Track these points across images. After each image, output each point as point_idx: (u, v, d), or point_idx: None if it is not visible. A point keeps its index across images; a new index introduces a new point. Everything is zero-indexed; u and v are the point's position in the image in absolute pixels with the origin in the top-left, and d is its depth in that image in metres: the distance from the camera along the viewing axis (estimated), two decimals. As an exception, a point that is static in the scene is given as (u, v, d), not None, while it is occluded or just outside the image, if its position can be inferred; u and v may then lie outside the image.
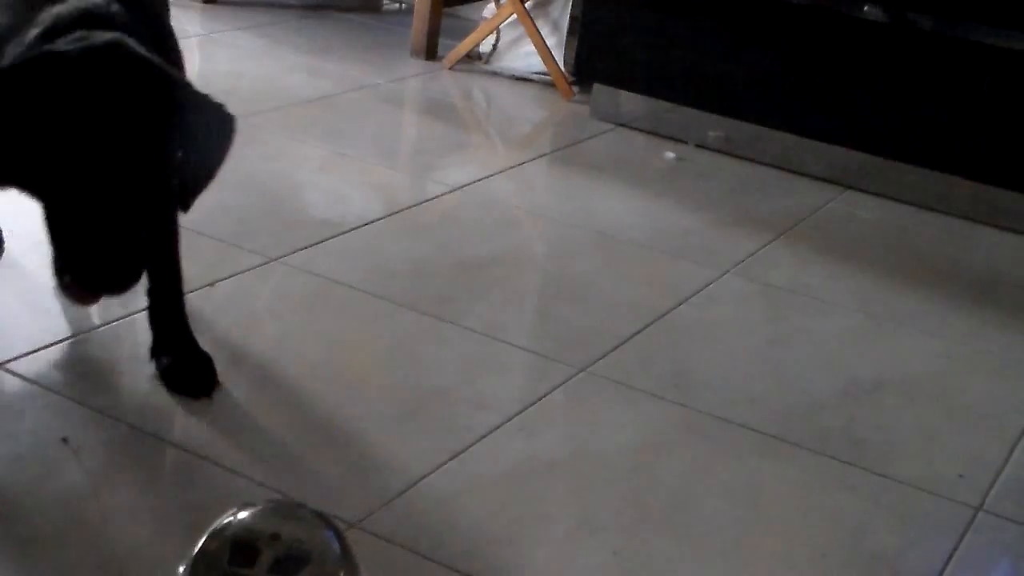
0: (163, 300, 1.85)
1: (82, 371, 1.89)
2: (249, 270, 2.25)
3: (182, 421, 1.78)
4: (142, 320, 2.02)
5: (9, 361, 1.84)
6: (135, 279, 1.51)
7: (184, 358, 1.85)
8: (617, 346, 2.17)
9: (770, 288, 2.52)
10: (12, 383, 1.80)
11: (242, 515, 1.32)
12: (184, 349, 1.86)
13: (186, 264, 2.21)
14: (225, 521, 1.31)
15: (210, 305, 2.11)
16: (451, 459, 1.77)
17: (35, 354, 1.87)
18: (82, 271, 1.47)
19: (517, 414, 1.91)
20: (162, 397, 1.84)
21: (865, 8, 3.07)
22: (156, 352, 1.86)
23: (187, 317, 1.89)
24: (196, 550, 1.30)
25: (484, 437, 1.84)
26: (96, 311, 2.05)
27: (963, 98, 2.97)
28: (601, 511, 1.71)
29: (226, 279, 2.20)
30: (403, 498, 1.67)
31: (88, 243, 1.45)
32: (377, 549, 1.56)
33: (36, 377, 1.81)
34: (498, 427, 1.87)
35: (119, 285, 1.50)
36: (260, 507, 1.34)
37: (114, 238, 1.46)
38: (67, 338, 1.94)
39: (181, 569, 1.30)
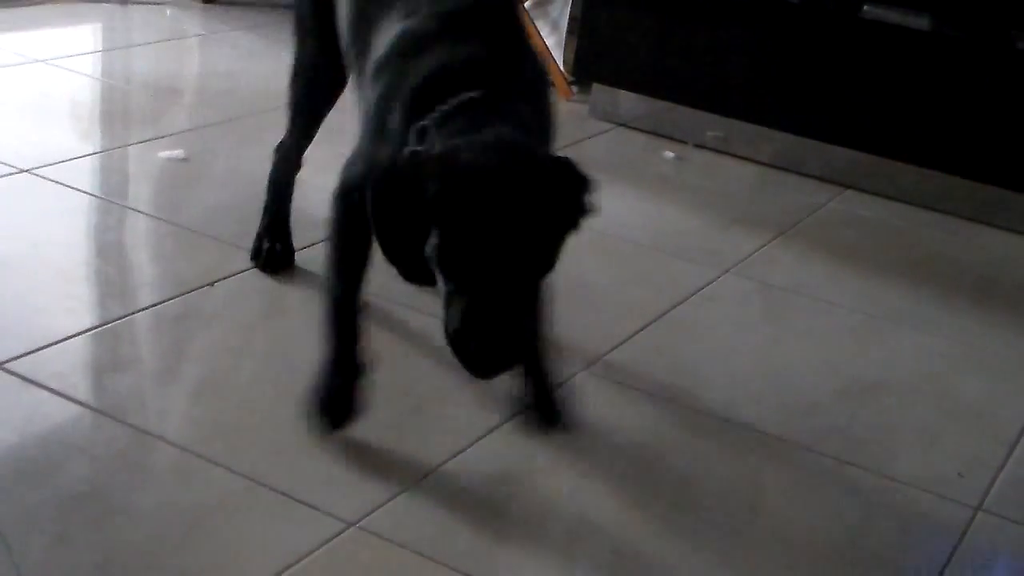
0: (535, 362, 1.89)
1: (82, 371, 1.89)
2: (249, 270, 2.25)
3: (181, 421, 1.78)
4: (141, 319, 2.03)
5: (8, 361, 1.84)
6: (521, 358, 1.64)
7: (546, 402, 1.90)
8: (617, 346, 2.17)
9: (770, 288, 2.52)
10: (11, 383, 1.80)
11: None
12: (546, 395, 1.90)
13: (186, 264, 2.22)
14: None
15: (210, 304, 2.11)
16: (452, 458, 1.77)
17: (34, 354, 1.87)
18: (480, 351, 1.50)
19: (517, 413, 1.91)
20: (163, 397, 1.84)
21: (864, 8, 3.07)
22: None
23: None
24: None
25: (484, 436, 1.84)
26: (94, 311, 2.05)
27: (962, 97, 2.97)
28: (601, 511, 1.71)
29: (226, 278, 2.20)
30: (403, 497, 1.67)
31: (487, 325, 1.50)
32: (377, 549, 1.56)
33: (35, 377, 1.81)
34: (498, 426, 1.87)
35: (510, 362, 1.54)
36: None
37: (510, 321, 1.51)
38: (66, 338, 1.94)
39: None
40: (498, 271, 1.50)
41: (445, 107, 1.59)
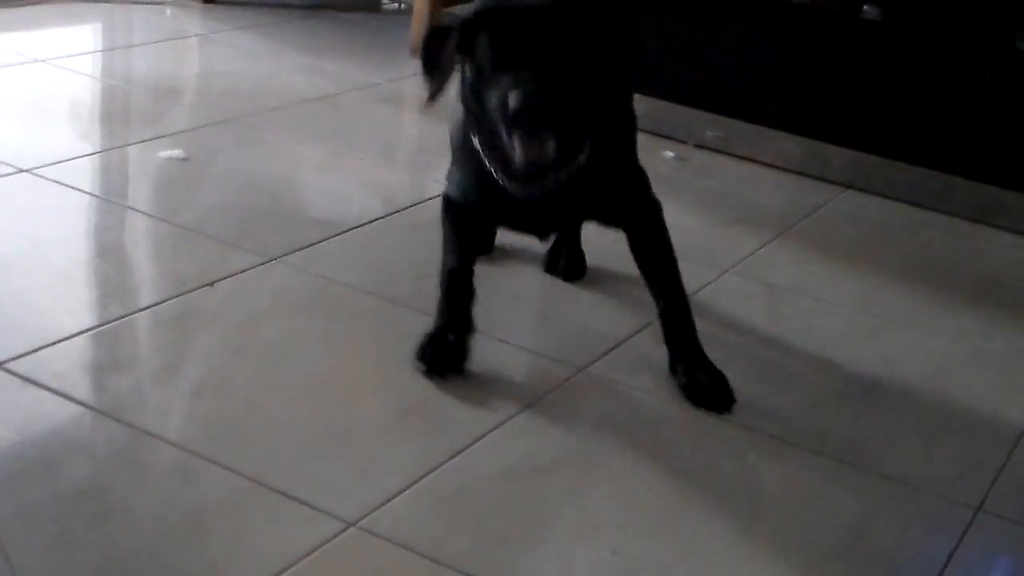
0: (674, 315, 2.07)
1: (82, 371, 1.89)
2: (249, 269, 2.25)
3: (181, 421, 1.78)
4: (141, 319, 2.03)
5: (7, 361, 1.84)
6: (562, 130, 1.79)
7: (701, 374, 2.02)
8: (616, 346, 2.17)
9: (769, 288, 2.52)
10: (10, 382, 1.80)
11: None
12: (699, 365, 2.03)
13: (186, 264, 2.22)
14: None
15: (210, 304, 2.11)
16: (450, 458, 1.77)
17: (33, 354, 1.87)
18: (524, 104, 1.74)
19: (517, 414, 1.91)
20: (163, 397, 1.84)
21: (864, 8, 3.07)
22: (674, 367, 2.06)
23: (696, 332, 2.05)
24: None
25: (483, 436, 1.84)
26: (94, 311, 2.05)
27: (962, 97, 2.97)
28: (600, 511, 1.71)
29: (226, 278, 2.20)
30: (402, 497, 1.67)
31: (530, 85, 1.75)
32: (376, 549, 1.56)
33: (35, 377, 1.81)
34: (498, 426, 1.87)
35: (551, 122, 1.77)
36: None
37: (551, 85, 1.76)
38: (66, 338, 1.94)
39: None
40: (535, 59, 1.77)
41: None
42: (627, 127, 2.16)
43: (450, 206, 2.10)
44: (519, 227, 2.11)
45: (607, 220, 2.10)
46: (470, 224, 2.09)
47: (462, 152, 2.04)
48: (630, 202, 2.09)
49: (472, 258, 2.09)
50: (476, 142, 1.95)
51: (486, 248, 2.36)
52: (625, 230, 2.10)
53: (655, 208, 2.11)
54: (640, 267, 2.10)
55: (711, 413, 1.99)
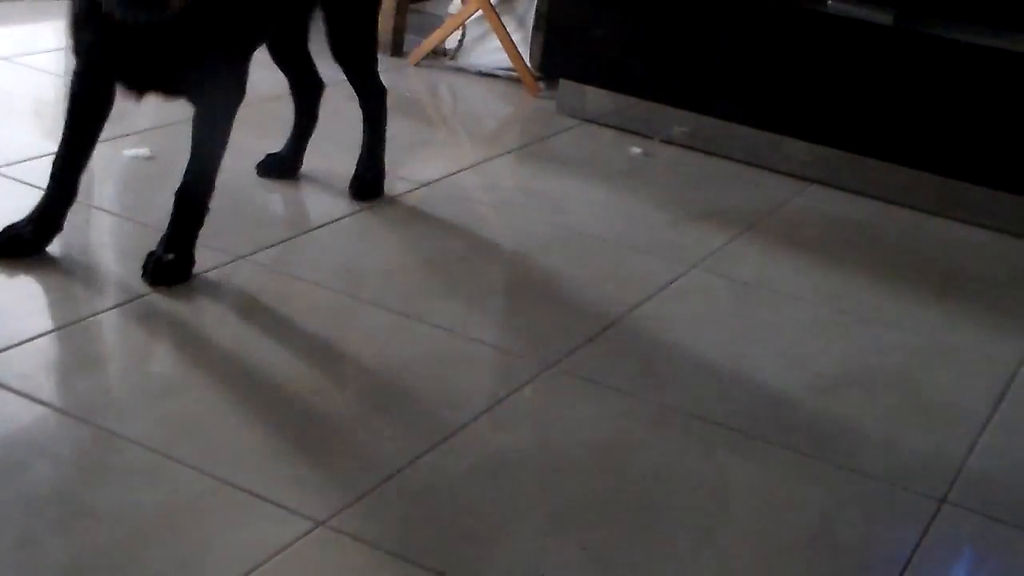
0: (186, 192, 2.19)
1: (47, 371, 1.87)
2: (216, 268, 2.24)
3: (150, 422, 1.77)
4: (107, 319, 2.02)
5: (-27, 362, 1.83)
6: None
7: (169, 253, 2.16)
8: (585, 342, 2.18)
9: (736, 283, 2.54)
10: (-24, 384, 1.78)
11: None
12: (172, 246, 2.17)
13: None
14: None
15: (176, 304, 2.10)
16: (420, 456, 1.77)
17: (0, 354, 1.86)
18: None
19: (486, 411, 1.91)
20: (129, 397, 1.83)
21: (828, 3, 3.09)
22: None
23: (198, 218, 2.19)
24: None
25: (453, 434, 1.84)
26: (59, 311, 2.04)
27: (926, 92, 3.00)
28: (570, 507, 1.71)
29: (193, 277, 2.19)
30: (373, 495, 1.67)
31: None
32: (346, 546, 1.56)
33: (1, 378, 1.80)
34: (467, 424, 1.87)
35: None
36: None
37: None
38: (30, 338, 1.93)
39: None
40: None
41: None
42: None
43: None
44: (123, 72, 2.11)
45: (194, 83, 2.14)
46: (88, 88, 2.13)
47: None
48: (214, 69, 2.14)
49: (86, 138, 2.17)
50: None
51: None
52: (195, 101, 2.17)
53: (234, 90, 2.20)
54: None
55: (677, 411, 2.00)
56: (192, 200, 2.18)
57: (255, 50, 2.29)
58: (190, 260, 2.18)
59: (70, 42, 2.11)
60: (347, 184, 2.71)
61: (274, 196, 2.63)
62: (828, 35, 3.09)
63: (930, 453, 1.98)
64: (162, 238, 2.18)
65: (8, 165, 2.53)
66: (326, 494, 1.65)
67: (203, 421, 1.78)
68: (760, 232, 2.82)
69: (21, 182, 2.48)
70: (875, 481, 1.88)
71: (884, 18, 3.03)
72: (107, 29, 1.99)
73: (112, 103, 2.18)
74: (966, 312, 2.55)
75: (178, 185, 2.18)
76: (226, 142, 2.19)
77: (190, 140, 2.18)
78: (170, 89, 2.18)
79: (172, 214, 2.17)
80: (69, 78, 2.16)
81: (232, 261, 2.28)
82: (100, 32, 2.01)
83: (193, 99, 2.16)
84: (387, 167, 2.86)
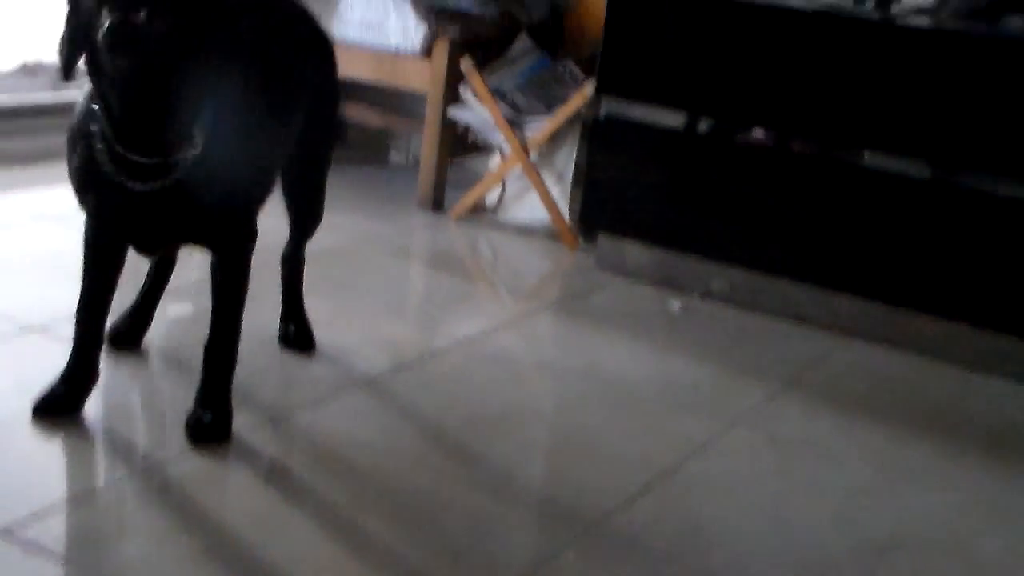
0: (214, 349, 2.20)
1: (85, 536, 1.87)
2: (256, 427, 2.24)
3: (186, 587, 1.76)
4: (146, 480, 2.01)
5: (13, 527, 1.82)
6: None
7: (208, 413, 2.18)
8: (627, 502, 2.15)
9: (778, 440, 2.51)
10: (13, 551, 1.77)
11: None
12: (210, 403, 2.19)
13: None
14: None
15: (213, 465, 2.10)
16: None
17: (38, 519, 1.85)
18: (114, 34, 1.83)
19: (529, 571, 1.88)
20: (169, 561, 1.82)
21: (864, 156, 3.12)
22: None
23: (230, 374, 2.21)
24: None
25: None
26: (99, 473, 2.04)
27: (965, 246, 3.00)
28: None
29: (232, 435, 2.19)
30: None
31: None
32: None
33: (40, 542, 1.79)
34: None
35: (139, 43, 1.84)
36: None
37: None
38: (70, 500, 1.92)
39: None
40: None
41: None
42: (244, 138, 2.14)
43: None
44: (127, 231, 2.12)
45: (201, 238, 2.15)
46: (101, 242, 2.15)
47: (75, 140, 2.04)
48: (227, 223, 2.14)
49: (104, 286, 2.19)
50: (94, 127, 1.98)
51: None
52: (212, 251, 2.16)
53: (247, 238, 2.19)
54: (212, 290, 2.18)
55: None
56: (220, 352, 2.19)
57: (267, 195, 2.30)
58: (228, 416, 2.18)
59: (76, 197, 2.11)
60: (387, 343, 2.72)
61: (314, 354, 2.64)
62: (865, 189, 3.10)
63: (984, 621, 1.92)
64: (196, 395, 2.18)
65: (53, 324, 2.56)
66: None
67: (241, 587, 1.76)
68: (802, 388, 2.79)
69: (65, 340, 2.50)
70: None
71: (921, 171, 3.05)
72: (109, 190, 2.01)
73: (127, 251, 2.20)
74: (1016, 471, 2.50)
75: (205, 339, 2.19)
76: (246, 288, 2.19)
77: (211, 291, 2.18)
78: (178, 244, 2.22)
79: (203, 370, 2.18)
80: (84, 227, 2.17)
81: (272, 419, 2.28)
82: (102, 193, 2.03)
83: (208, 248, 2.16)
84: (429, 323, 2.88)
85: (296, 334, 2.62)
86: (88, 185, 2.05)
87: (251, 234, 2.19)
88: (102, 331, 2.22)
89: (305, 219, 2.61)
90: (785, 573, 1.98)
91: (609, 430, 2.45)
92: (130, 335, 2.50)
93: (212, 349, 2.18)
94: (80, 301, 2.19)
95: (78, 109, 2.06)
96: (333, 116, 2.55)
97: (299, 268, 2.65)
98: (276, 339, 2.62)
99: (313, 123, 2.41)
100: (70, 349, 2.19)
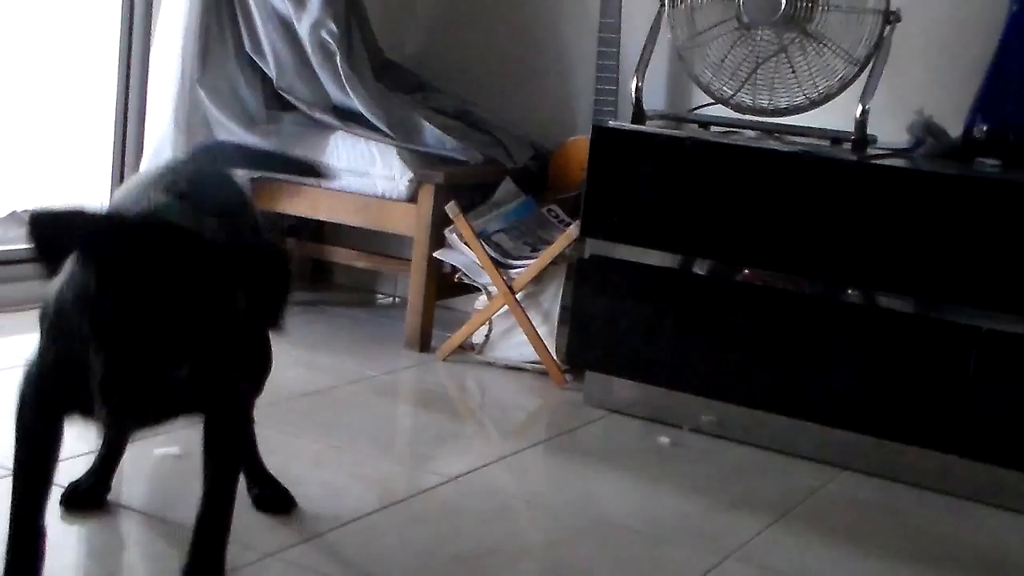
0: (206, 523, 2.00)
1: None
2: (245, 566, 2.21)
3: None
4: None
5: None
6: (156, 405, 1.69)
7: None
8: None
9: (772, 573, 2.48)
10: None
11: None
12: None
13: (173, 563, 2.18)
14: None
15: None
16: None
17: None
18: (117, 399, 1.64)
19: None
20: None
21: (848, 292, 3.15)
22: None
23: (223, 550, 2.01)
24: None
25: None
26: None
27: (954, 377, 3.00)
28: None
29: (219, 578, 2.15)
30: None
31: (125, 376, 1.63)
32: None
33: None
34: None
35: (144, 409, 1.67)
36: None
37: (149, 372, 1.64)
38: None
39: None
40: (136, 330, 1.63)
41: None
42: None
43: (26, 401, 1.92)
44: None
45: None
46: (47, 427, 1.92)
47: (59, 318, 1.82)
48: (218, 400, 1.99)
49: (46, 478, 1.93)
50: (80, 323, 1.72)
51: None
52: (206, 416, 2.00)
53: (240, 419, 2.10)
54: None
55: None
56: (216, 523, 2.03)
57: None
58: None
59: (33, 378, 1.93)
60: (375, 482, 2.70)
61: (302, 492, 2.62)
62: (851, 323, 3.12)
63: None
64: (187, 566, 2.01)
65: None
66: None
67: None
68: (793, 520, 2.77)
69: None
70: None
71: (905, 306, 3.07)
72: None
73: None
74: (1013, 601, 2.47)
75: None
76: (242, 451, 2.15)
77: (204, 458, 2.02)
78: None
79: (193, 541, 2.01)
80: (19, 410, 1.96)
81: (260, 559, 2.25)
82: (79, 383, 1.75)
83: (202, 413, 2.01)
84: (418, 461, 2.86)
85: (272, 496, 2.48)
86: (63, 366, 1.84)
87: (244, 404, 2.13)
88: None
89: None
90: None
91: (599, 565, 2.42)
92: (92, 494, 2.35)
93: (207, 520, 2.02)
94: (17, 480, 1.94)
95: (56, 296, 1.83)
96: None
97: (250, 430, 2.43)
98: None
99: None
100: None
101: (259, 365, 2.39)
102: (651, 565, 2.45)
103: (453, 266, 3.91)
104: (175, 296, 1.64)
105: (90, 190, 4.23)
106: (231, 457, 2.06)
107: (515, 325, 3.78)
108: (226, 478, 2.05)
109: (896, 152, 3.34)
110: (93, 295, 1.65)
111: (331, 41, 3.91)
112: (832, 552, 2.62)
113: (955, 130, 3.36)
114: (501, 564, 2.38)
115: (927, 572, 2.56)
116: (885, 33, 3.31)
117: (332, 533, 2.42)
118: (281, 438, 2.93)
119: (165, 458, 2.71)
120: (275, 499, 2.48)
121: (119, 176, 4.22)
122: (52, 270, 1.73)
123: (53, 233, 1.69)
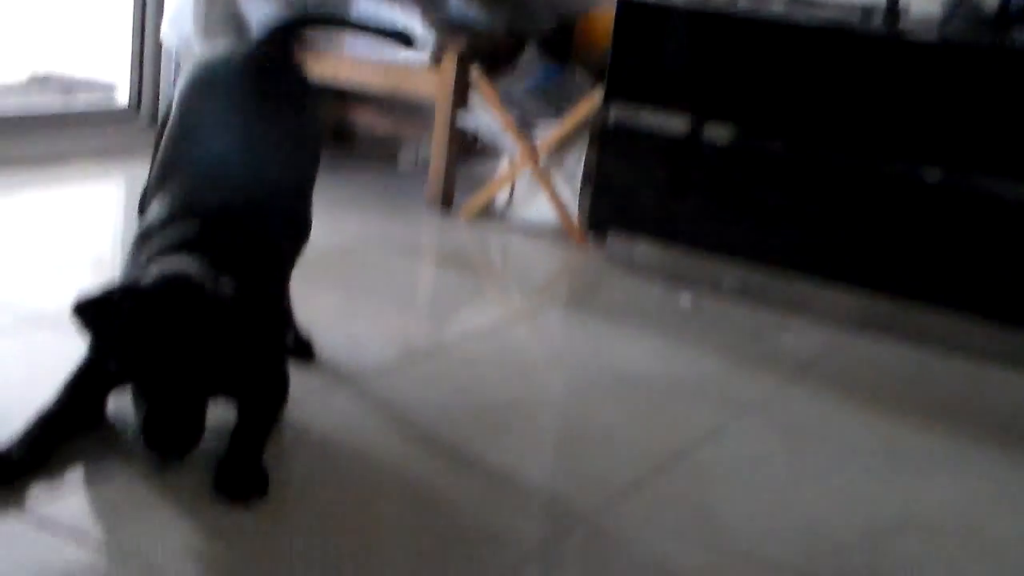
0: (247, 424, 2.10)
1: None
2: (265, 415, 2.24)
3: None
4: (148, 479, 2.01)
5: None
6: (194, 443, 1.94)
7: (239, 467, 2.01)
8: (637, 485, 2.15)
9: (788, 428, 2.50)
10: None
11: None
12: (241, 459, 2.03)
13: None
14: None
15: (223, 450, 2.10)
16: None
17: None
18: (160, 444, 1.92)
19: (537, 554, 1.88)
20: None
21: (875, 161, 3.12)
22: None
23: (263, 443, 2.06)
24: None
25: (501, 578, 1.80)
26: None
27: (974, 243, 2.99)
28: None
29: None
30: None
31: (162, 425, 1.91)
32: None
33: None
34: (517, 565, 1.84)
35: (183, 448, 1.93)
36: None
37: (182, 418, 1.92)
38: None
39: None
40: (167, 382, 1.89)
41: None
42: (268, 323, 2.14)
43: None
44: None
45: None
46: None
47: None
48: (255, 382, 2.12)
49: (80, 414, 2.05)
50: None
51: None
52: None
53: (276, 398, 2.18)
54: None
55: (732, 557, 1.95)
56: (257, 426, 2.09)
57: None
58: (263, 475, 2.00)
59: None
60: (396, 337, 2.72)
61: (323, 344, 2.64)
62: (875, 188, 3.10)
63: (995, 599, 1.92)
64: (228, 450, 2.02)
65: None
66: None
67: (244, 569, 1.76)
68: (812, 379, 2.79)
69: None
70: (939, 628, 1.82)
71: (931, 175, 3.04)
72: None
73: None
74: (1027, 457, 2.50)
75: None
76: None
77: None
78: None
79: (235, 430, 2.06)
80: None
81: (282, 408, 2.28)
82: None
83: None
84: (439, 317, 2.88)
85: (295, 344, 2.52)
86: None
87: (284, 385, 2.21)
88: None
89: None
90: (795, 556, 1.98)
91: (618, 419, 2.45)
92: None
93: (246, 424, 2.09)
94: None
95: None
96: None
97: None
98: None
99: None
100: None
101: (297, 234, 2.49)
102: (669, 419, 2.48)
103: (476, 132, 3.88)
104: (195, 347, 1.90)
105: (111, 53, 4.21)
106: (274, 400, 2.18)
107: (537, 188, 3.77)
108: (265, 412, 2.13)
109: (928, 23, 3.27)
110: (132, 357, 1.91)
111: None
112: (848, 408, 2.64)
113: (990, 1, 3.30)
114: (520, 417, 2.41)
115: (943, 428, 2.59)
116: None
117: (353, 384, 2.45)
118: (303, 292, 2.95)
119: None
120: (297, 347, 2.51)
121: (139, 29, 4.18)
122: (108, 348, 1.97)
123: (100, 319, 1.93)
